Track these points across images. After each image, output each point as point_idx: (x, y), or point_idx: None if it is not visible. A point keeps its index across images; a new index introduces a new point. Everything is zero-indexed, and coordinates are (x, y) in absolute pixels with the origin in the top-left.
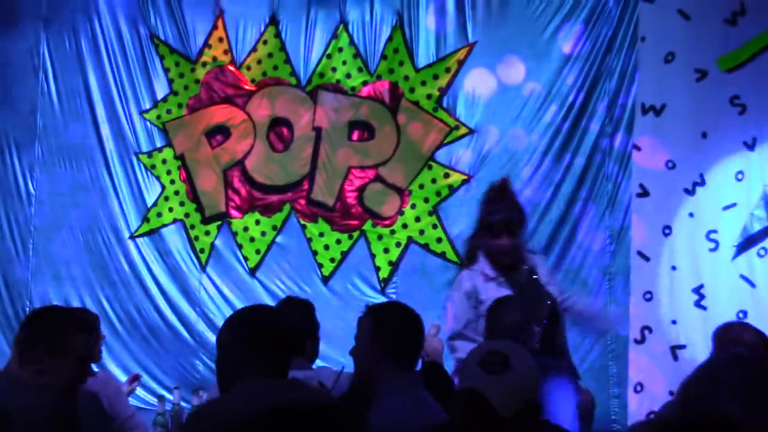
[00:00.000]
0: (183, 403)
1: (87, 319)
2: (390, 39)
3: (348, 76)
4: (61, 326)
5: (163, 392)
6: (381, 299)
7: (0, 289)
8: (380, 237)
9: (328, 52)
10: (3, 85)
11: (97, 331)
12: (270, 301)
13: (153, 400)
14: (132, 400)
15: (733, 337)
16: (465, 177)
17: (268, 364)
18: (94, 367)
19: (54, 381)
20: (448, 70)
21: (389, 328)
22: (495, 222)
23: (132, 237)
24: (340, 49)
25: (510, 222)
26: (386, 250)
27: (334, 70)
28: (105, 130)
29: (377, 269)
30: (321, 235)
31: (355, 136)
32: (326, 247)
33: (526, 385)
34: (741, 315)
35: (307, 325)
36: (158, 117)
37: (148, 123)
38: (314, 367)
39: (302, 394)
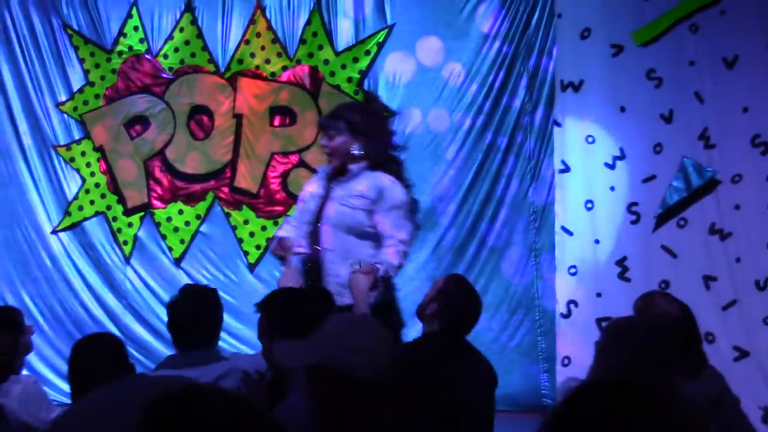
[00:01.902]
0: None
1: (11, 316)
2: (308, 23)
3: (267, 61)
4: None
5: None
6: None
7: None
8: None
9: (246, 38)
10: None
11: (21, 327)
12: None
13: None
14: (55, 395)
15: (650, 305)
16: None
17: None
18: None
19: None
20: (367, 52)
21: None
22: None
23: (54, 231)
24: (258, 35)
25: (321, 125)
26: None
27: (252, 55)
28: (21, 124)
29: None
30: (246, 222)
31: (276, 121)
32: (251, 235)
33: None
34: (663, 285)
35: (203, 314)
36: (75, 109)
37: (65, 115)
38: (225, 354)
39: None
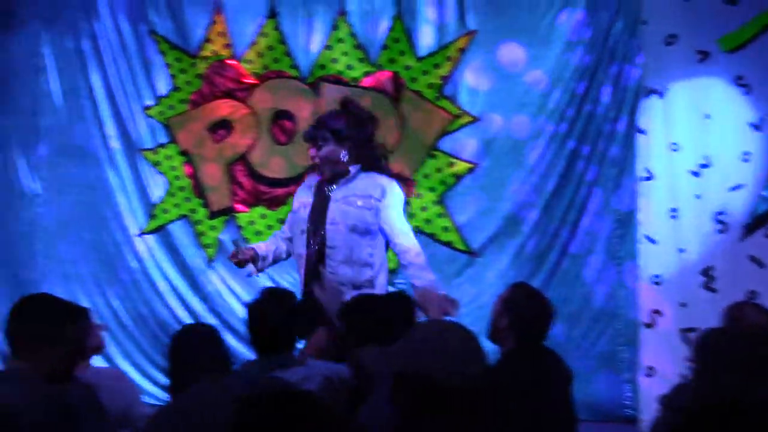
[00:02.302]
0: None
1: (74, 307)
2: (391, 29)
3: (349, 67)
4: (46, 315)
5: None
6: (391, 290)
7: (10, 291)
8: None
9: (328, 44)
10: (5, 87)
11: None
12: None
13: (164, 395)
14: (144, 397)
15: (739, 316)
16: (470, 165)
17: (213, 364)
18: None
19: (45, 371)
20: (449, 58)
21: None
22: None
23: (139, 234)
24: (341, 40)
25: (308, 137)
26: None
27: (334, 61)
28: (109, 129)
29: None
30: None
31: None
32: None
33: None
34: (750, 296)
35: (284, 317)
36: (161, 113)
37: (152, 120)
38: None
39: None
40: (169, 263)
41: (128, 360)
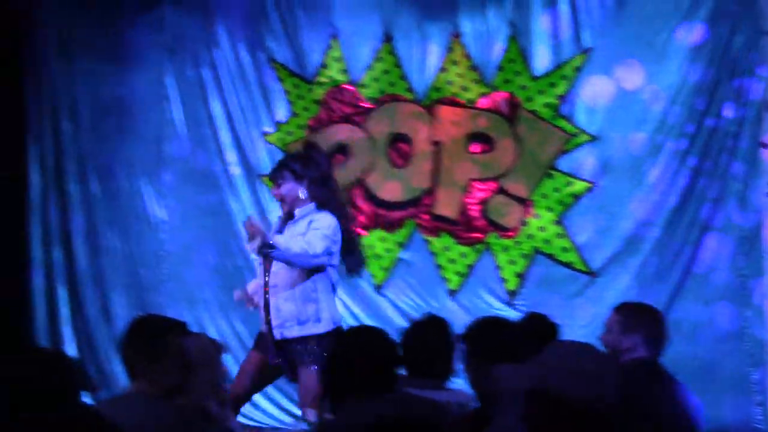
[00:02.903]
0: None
1: (174, 322)
2: (506, 49)
3: (464, 88)
4: (153, 331)
5: (299, 412)
6: (510, 312)
7: (135, 315)
8: (505, 249)
9: (443, 66)
10: (131, 115)
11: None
12: (398, 318)
13: (289, 420)
14: (268, 420)
15: None
16: (588, 184)
17: (374, 380)
18: None
19: (159, 389)
20: (564, 77)
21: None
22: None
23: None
24: (455, 62)
25: (271, 175)
26: (512, 262)
27: (450, 83)
28: (229, 155)
29: (504, 281)
30: (446, 249)
31: (474, 148)
32: (451, 261)
33: None
34: None
35: (437, 344)
36: (280, 139)
37: (271, 146)
38: (451, 387)
39: (409, 408)
40: None
41: None
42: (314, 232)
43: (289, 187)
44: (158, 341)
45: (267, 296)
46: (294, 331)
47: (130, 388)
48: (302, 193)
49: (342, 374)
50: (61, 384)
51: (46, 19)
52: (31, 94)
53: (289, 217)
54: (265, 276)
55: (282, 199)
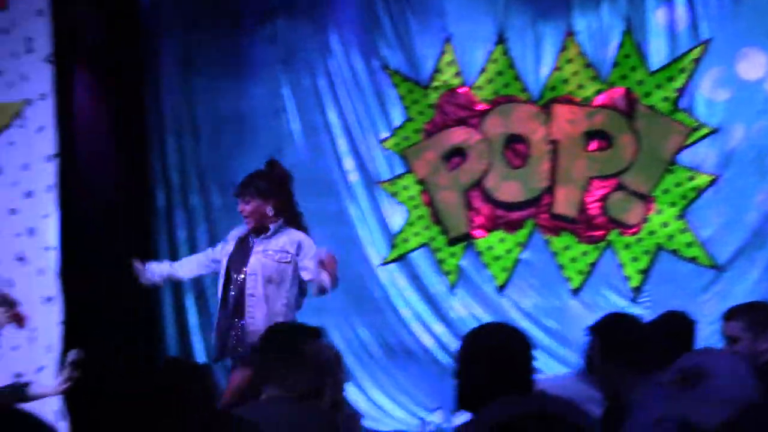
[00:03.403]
0: (445, 425)
1: (309, 328)
2: (620, 45)
3: (580, 86)
4: (290, 337)
5: (425, 414)
6: (634, 309)
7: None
8: (628, 246)
9: (557, 65)
10: (249, 128)
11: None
12: (520, 318)
13: (415, 422)
14: (394, 423)
15: None
16: (711, 177)
17: (511, 379)
18: None
19: (294, 393)
20: (683, 70)
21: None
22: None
23: (382, 264)
24: (570, 61)
25: (236, 193)
26: (635, 259)
27: (565, 82)
28: (347, 163)
29: (627, 279)
30: (566, 248)
31: (592, 146)
32: (573, 260)
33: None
34: None
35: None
36: (397, 144)
37: (388, 151)
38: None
39: (549, 407)
40: (412, 291)
41: (379, 389)
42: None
43: (256, 203)
44: (295, 348)
45: (227, 310)
46: None
47: (267, 393)
48: (269, 210)
49: (479, 373)
50: (202, 392)
51: (167, 37)
52: (152, 112)
53: (259, 231)
54: (226, 291)
55: (249, 216)
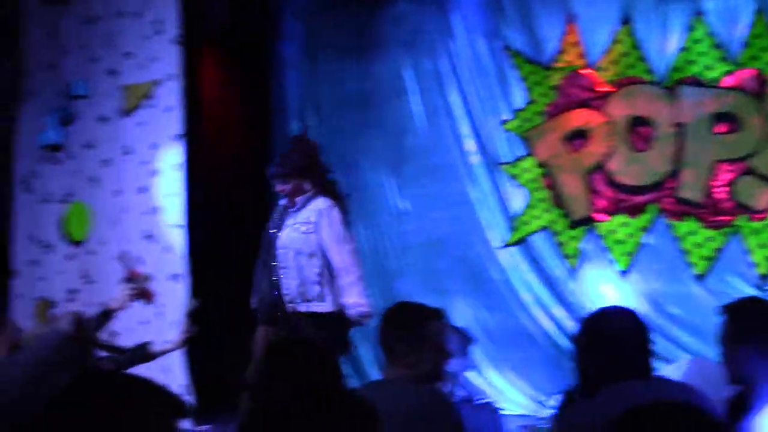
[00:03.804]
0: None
1: (431, 309)
2: (752, 25)
3: (707, 67)
4: (413, 318)
5: (543, 398)
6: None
7: (384, 303)
8: (756, 231)
9: (684, 46)
10: (374, 110)
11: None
12: (643, 303)
13: (534, 406)
14: (512, 407)
15: None
16: None
17: (630, 364)
18: None
19: (417, 373)
20: None
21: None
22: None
23: (502, 247)
24: (698, 41)
25: (271, 175)
26: (763, 245)
27: (691, 63)
28: (469, 145)
29: (755, 265)
30: (691, 232)
31: (719, 128)
32: (697, 246)
33: None
34: None
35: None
36: (518, 126)
37: (509, 134)
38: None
39: (670, 393)
40: (532, 274)
41: (497, 372)
42: (329, 232)
43: (295, 182)
44: (420, 328)
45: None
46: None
47: (388, 374)
48: (307, 186)
49: (597, 358)
50: (332, 371)
51: (292, 18)
52: (276, 92)
53: (291, 205)
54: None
55: (289, 194)
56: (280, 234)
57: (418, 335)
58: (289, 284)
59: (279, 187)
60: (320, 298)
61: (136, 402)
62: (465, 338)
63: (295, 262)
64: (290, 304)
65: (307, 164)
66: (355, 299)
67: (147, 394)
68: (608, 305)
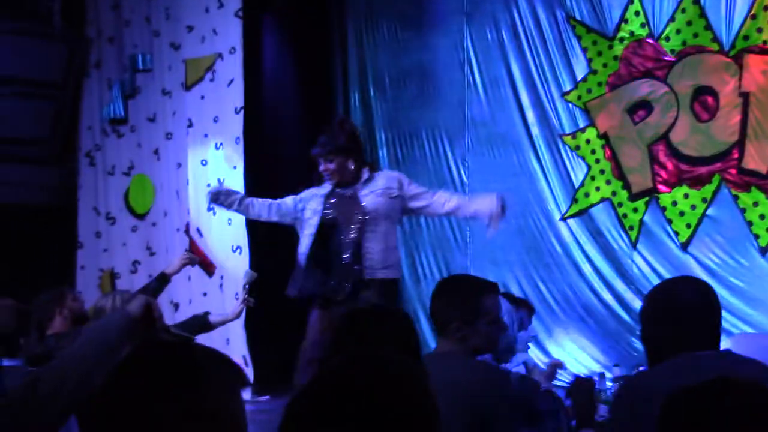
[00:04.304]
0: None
1: (484, 282)
2: None
3: None
4: (467, 290)
5: (604, 371)
6: None
7: (441, 275)
8: None
9: (752, 13)
10: (433, 80)
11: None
12: (705, 276)
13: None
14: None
15: None
16: None
17: (698, 336)
18: None
19: (470, 346)
20: None
21: None
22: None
23: (562, 218)
24: (766, 8)
25: (317, 154)
26: None
27: (759, 30)
28: (530, 116)
29: None
30: (755, 204)
31: None
32: (762, 217)
33: None
34: None
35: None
36: (579, 98)
37: (570, 104)
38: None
39: (738, 366)
40: (592, 246)
41: (557, 344)
42: (416, 188)
43: (339, 161)
44: (473, 301)
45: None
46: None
47: (440, 346)
48: (350, 164)
49: (665, 327)
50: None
51: None
52: (337, 65)
53: (345, 185)
54: (332, 243)
55: (334, 173)
56: (363, 202)
57: (472, 308)
58: (373, 249)
59: (323, 166)
60: (398, 263)
61: (198, 370)
62: (527, 308)
63: (384, 227)
64: (369, 270)
65: (352, 144)
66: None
67: (209, 363)
68: (677, 276)
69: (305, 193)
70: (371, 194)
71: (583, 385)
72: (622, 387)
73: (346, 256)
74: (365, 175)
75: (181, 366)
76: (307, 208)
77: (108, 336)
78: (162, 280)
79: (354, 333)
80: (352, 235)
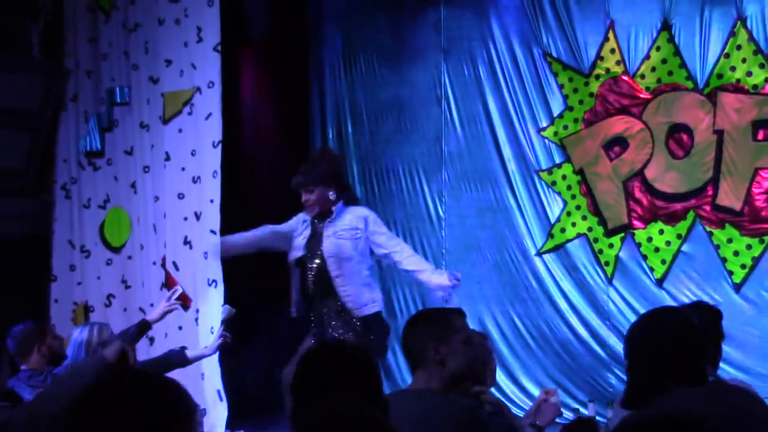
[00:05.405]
0: (598, 417)
1: (456, 308)
2: None
3: (749, 74)
4: (435, 315)
5: (578, 406)
6: None
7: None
8: None
9: (725, 51)
10: (410, 115)
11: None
12: None
13: (568, 414)
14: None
15: None
16: None
17: (686, 370)
18: None
19: (444, 373)
20: None
21: None
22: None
23: (538, 254)
24: (739, 47)
25: (298, 184)
26: None
27: (733, 69)
28: (506, 151)
29: None
30: (729, 241)
31: (760, 135)
32: (736, 254)
33: None
34: None
35: (710, 332)
36: (555, 134)
37: (547, 140)
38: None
39: (734, 401)
40: (568, 282)
41: (530, 378)
42: (381, 233)
43: (319, 191)
44: (444, 321)
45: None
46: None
47: (416, 382)
48: (332, 195)
49: (650, 363)
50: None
51: (331, 25)
52: (315, 99)
53: (323, 216)
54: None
55: (314, 204)
56: (323, 244)
57: (444, 327)
58: (348, 290)
59: (304, 197)
60: (372, 300)
61: (147, 402)
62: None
63: (347, 269)
64: (350, 307)
65: (332, 174)
66: (427, 265)
67: (158, 394)
68: (656, 307)
69: (295, 218)
70: (332, 236)
71: (584, 424)
72: (625, 422)
73: (314, 290)
74: (335, 210)
75: (129, 398)
76: (298, 230)
77: (83, 380)
78: (142, 327)
79: (315, 366)
80: (310, 277)
